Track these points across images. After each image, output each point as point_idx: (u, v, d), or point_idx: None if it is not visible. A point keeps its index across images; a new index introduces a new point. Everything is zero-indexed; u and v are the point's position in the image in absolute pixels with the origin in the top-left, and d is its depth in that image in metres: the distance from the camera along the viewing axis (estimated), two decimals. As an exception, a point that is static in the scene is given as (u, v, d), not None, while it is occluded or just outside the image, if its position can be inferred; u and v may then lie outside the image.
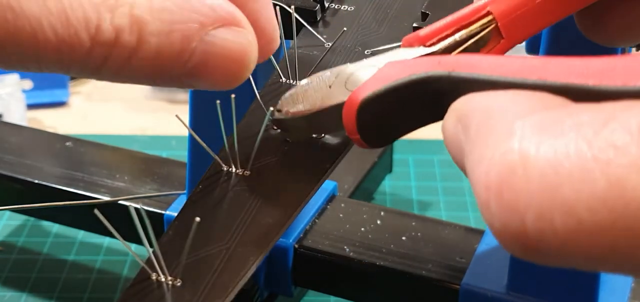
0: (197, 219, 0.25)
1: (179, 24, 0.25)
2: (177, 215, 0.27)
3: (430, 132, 0.58)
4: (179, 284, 0.25)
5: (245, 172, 0.28)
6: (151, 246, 0.25)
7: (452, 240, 0.40)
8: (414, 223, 0.41)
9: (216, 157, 0.28)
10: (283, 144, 0.29)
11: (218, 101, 0.27)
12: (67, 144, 0.48)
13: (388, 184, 0.53)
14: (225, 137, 0.28)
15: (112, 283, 0.47)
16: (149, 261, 0.25)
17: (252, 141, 0.28)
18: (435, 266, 0.38)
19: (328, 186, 0.43)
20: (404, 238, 0.40)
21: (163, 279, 0.25)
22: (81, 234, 0.50)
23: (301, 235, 0.40)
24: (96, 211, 0.25)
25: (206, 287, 0.25)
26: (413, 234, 0.40)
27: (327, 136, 0.29)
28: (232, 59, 0.26)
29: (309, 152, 0.29)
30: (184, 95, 0.62)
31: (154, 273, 0.25)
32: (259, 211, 0.27)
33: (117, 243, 0.49)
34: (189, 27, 0.25)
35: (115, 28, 0.24)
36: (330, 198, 0.43)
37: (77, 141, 0.48)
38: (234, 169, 0.28)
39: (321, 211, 0.42)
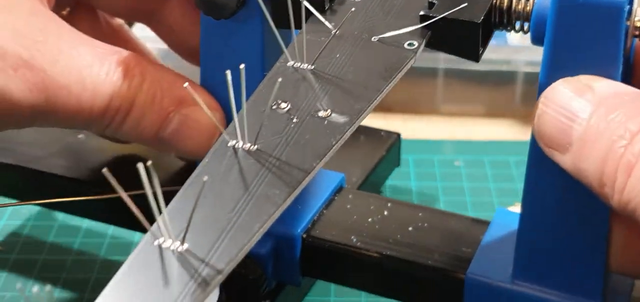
0: (205, 178, 0.26)
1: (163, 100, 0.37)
2: (185, 185, 0.27)
3: (430, 132, 0.58)
4: (185, 248, 0.25)
5: (252, 147, 0.28)
6: (159, 211, 0.25)
7: (458, 231, 0.40)
8: (420, 214, 0.41)
9: (223, 131, 0.29)
10: (289, 122, 0.29)
11: (227, 71, 0.27)
12: (80, 136, 0.48)
13: (388, 184, 0.54)
14: (235, 113, 0.28)
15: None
16: (155, 226, 0.26)
17: (259, 118, 0.29)
18: (441, 255, 0.39)
19: (336, 177, 0.43)
20: (410, 229, 0.40)
21: (169, 244, 0.25)
22: (81, 232, 0.51)
23: (309, 225, 0.41)
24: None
25: (212, 252, 0.25)
26: (420, 224, 0.41)
27: (333, 115, 0.30)
28: (201, 131, 0.38)
29: (315, 130, 0.29)
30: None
31: (161, 238, 0.25)
32: (265, 183, 0.27)
33: (120, 237, 0.50)
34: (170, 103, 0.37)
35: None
36: (338, 190, 0.43)
37: (90, 134, 0.48)
38: (240, 144, 0.29)
39: (329, 202, 0.42)
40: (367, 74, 0.32)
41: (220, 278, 0.25)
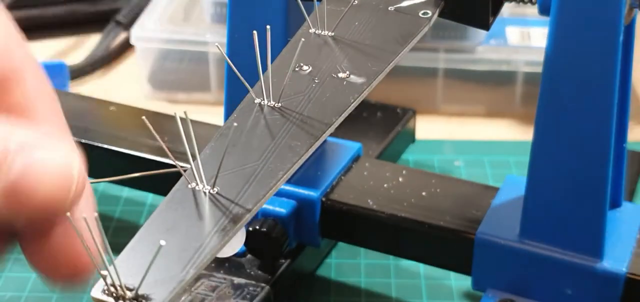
0: (235, 124, 0.28)
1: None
2: (215, 136, 0.30)
3: (429, 132, 0.59)
4: (216, 191, 0.28)
5: (277, 104, 0.31)
6: (193, 157, 0.28)
7: (469, 195, 0.42)
8: (433, 180, 0.44)
9: (250, 89, 0.31)
10: (311, 82, 0.32)
11: (254, 32, 0.30)
12: (111, 108, 0.51)
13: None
14: (261, 73, 0.31)
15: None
16: (188, 172, 0.28)
17: (282, 79, 0.31)
18: (452, 217, 0.41)
19: (354, 147, 0.46)
20: (424, 194, 0.43)
21: (201, 188, 0.28)
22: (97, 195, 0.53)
23: (328, 190, 0.43)
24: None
25: (240, 194, 0.28)
26: (433, 190, 0.43)
27: (351, 76, 0.32)
28: (55, 176, 0.26)
29: (334, 89, 0.32)
30: (185, 96, 0.63)
31: (193, 182, 0.28)
32: (288, 135, 0.30)
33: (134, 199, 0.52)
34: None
35: None
36: (356, 158, 0.45)
37: (120, 106, 0.51)
38: (266, 101, 0.31)
39: (347, 169, 0.45)
40: (383, 39, 0.34)
41: (249, 216, 0.28)
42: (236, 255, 0.43)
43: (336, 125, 0.31)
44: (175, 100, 0.64)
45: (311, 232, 0.43)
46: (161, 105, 0.63)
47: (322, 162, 0.44)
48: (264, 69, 0.31)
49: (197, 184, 0.28)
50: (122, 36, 0.70)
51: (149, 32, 0.62)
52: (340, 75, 0.33)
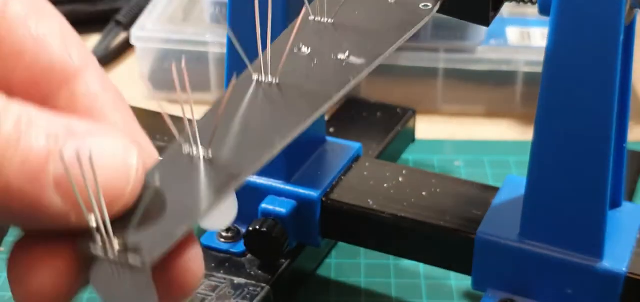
0: (233, 94, 0.27)
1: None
2: (211, 107, 0.29)
3: (429, 132, 0.60)
4: (210, 156, 0.27)
5: (275, 80, 0.30)
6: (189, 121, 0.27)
7: (469, 195, 0.42)
8: (433, 180, 0.44)
9: (248, 63, 0.30)
10: (310, 62, 0.32)
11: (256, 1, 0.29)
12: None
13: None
14: (260, 51, 0.30)
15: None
16: (184, 135, 0.27)
17: (281, 58, 0.31)
18: (452, 217, 0.41)
19: (354, 146, 0.46)
20: (424, 193, 0.43)
21: (195, 152, 0.27)
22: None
23: (328, 190, 0.43)
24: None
25: (235, 160, 0.27)
26: (433, 190, 0.43)
27: (351, 57, 0.32)
28: (110, 165, 0.25)
29: (334, 69, 0.31)
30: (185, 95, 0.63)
31: (187, 145, 0.27)
32: (285, 107, 0.29)
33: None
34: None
35: None
36: (356, 158, 0.45)
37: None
38: (264, 77, 0.30)
39: (347, 169, 0.45)
40: (384, 28, 0.34)
41: (243, 178, 0.27)
42: (236, 255, 0.43)
43: (335, 100, 0.30)
44: (175, 100, 0.63)
45: (311, 232, 0.43)
46: (161, 106, 0.62)
47: (322, 162, 0.44)
48: (264, 47, 0.31)
49: (191, 147, 0.27)
50: (122, 36, 0.70)
51: (149, 32, 0.62)
52: (340, 56, 0.32)
